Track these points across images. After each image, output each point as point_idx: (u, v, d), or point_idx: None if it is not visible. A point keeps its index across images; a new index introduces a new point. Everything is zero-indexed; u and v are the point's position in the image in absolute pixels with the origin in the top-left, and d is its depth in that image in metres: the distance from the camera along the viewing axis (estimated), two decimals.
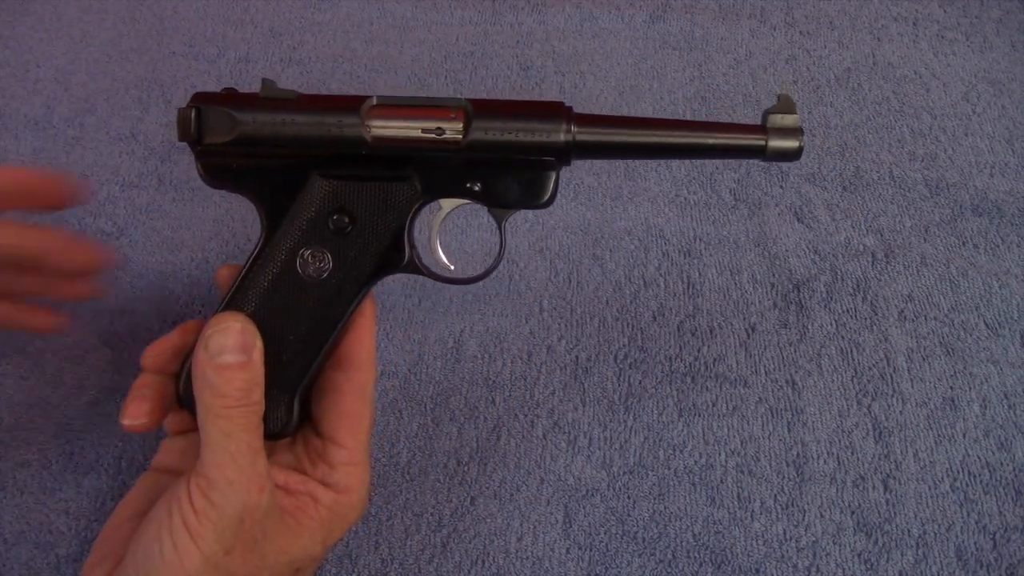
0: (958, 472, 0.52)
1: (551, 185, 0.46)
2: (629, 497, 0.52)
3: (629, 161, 0.66)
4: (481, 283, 0.60)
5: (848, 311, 0.59)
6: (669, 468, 0.53)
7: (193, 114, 0.46)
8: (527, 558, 0.50)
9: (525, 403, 0.56)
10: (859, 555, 0.50)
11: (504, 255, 0.49)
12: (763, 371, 0.56)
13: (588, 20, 0.75)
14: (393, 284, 0.60)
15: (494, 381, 0.56)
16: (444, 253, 0.49)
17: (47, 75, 0.72)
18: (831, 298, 0.59)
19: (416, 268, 0.48)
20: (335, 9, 0.75)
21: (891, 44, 0.73)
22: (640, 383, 0.56)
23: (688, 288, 0.60)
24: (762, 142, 0.45)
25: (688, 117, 0.69)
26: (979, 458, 0.53)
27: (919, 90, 0.70)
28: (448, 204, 0.48)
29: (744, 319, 0.59)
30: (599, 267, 0.61)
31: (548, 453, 0.54)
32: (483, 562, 0.50)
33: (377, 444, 0.54)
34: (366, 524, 0.51)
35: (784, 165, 0.66)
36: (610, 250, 0.62)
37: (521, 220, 0.63)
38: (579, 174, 0.66)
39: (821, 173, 0.65)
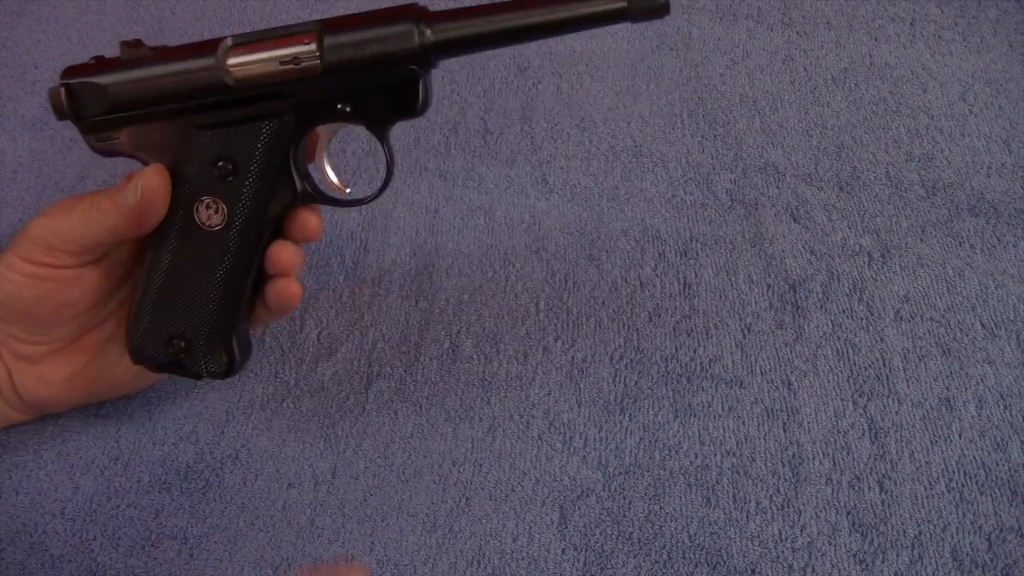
0: (954, 473, 0.52)
1: (420, 91, 0.46)
2: (625, 498, 0.52)
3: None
4: (477, 283, 0.60)
5: (844, 311, 0.59)
6: (665, 469, 0.53)
7: (63, 92, 0.46)
8: (523, 559, 0.50)
9: (521, 404, 0.56)
10: (854, 556, 0.50)
11: (395, 170, 0.49)
12: (759, 372, 0.56)
13: None
14: (390, 285, 0.60)
15: (490, 382, 0.56)
16: (338, 178, 0.50)
17: (45, 76, 0.72)
18: (827, 298, 0.59)
19: (311, 197, 0.48)
20: (332, 10, 0.75)
21: (888, 44, 0.73)
22: (636, 384, 0.56)
23: (684, 289, 0.60)
24: (623, 2, 0.43)
25: (685, 117, 0.69)
26: (975, 459, 0.53)
27: (916, 90, 0.70)
28: (326, 132, 0.48)
29: (740, 320, 0.59)
30: (595, 268, 0.61)
31: (543, 454, 0.54)
32: (478, 563, 0.50)
33: (372, 445, 0.54)
34: (361, 525, 0.51)
35: (780, 165, 0.66)
36: (606, 251, 0.62)
37: (517, 220, 0.63)
38: (575, 175, 0.66)
39: (818, 173, 0.65)
